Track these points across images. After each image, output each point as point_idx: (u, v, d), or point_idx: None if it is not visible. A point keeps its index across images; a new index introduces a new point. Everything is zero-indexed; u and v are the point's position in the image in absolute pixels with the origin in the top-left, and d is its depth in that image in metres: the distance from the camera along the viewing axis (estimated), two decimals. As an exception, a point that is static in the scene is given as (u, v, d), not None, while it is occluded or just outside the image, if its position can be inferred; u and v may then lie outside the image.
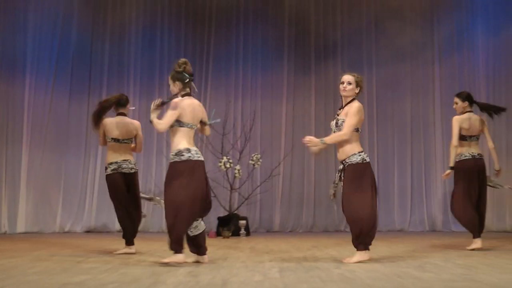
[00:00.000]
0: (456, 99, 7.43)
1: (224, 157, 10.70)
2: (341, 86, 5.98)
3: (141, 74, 12.00)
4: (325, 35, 12.33)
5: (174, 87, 5.88)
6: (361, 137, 11.97)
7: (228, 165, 10.63)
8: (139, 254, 6.82)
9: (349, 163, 5.81)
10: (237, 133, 11.71)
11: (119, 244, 7.19)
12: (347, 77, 5.98)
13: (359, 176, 5.76)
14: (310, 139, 5.85)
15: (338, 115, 6.00)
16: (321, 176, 12.10)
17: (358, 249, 5.79)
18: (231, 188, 10.87)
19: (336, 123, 5.92)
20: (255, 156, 10.95)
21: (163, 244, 8.24)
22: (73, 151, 11.77)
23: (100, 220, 11.50)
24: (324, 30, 12.31)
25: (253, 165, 10.96)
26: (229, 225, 10.22)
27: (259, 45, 12.30)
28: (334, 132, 5.92)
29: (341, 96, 6.03)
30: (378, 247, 7.68)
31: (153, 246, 7.89)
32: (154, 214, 11.55)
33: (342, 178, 5.87)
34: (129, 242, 6.93)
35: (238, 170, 10.73)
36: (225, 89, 12.20)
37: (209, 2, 12.30)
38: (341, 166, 5.90)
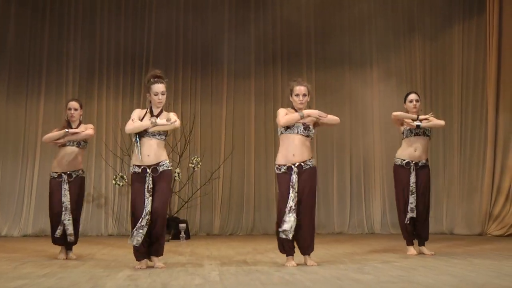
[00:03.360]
0: (418, 96, 7.15)
1: (164, 160, 10.60)
2: (296, 99, 5.90)
3: (80, 75, 11.75)
4: (265, 39, 12.36)
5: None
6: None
7: (168, 168, 10.54)
8: (78, 258, 6.74)
9: (310, 165, 5.84)
10: (176, 136, 11.62)
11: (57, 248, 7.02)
12: (302, 89, 5.93)
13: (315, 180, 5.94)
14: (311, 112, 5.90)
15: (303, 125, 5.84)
16: (261, 178, 12.13)
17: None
18: (171, 191, 10.78)
19: (307, 128, 5.85)
20: (195, 159, 10.91)
21: (102, 247, 8.15)
22: (10, 155, 11.48)
23: (38, 225, 11.21)
24: (264, 34, 12.33)
25: (193, 168, 10.92)
26: (169, 229, 10.11)
27: (199, 48, 12.23)
28: (299, 133, 5.81)
29: (294, 107, 5.94)
30: (317, 249, 7.73)
31: (92, 250, 7.76)
32: (93, 218, 11.38)
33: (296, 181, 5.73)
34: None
35: (178, 173, 10.66)
36: (164, 92, 12.07)
37: (148, 3, 12.16)
38: (295, 169, 5.76)
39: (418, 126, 6.83)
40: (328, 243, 8.97)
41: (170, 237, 9.96)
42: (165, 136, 5.82)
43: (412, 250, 6.90)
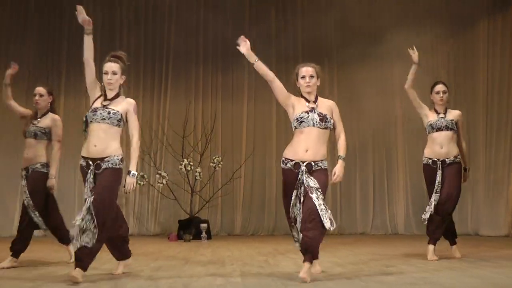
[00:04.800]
0: (445, 87, 6.75)
1: (185, 160, 10.62)
2: (302, 81, 5.17)
3: (99, 74, 11.74)
4: (285, 35, 12.29)
5: (122, 80, 5.21)
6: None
7: (189, 168, 10.56)
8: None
9: (322, 167, 5.02)
10: (197, 135, 11.61)
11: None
12: (310, 70, 5.17)
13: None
14: (339, 175, 5.04)
15: (312, 109, 5.07)
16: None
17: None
18: (192, 191, 10.78)
19: (324, 118, 5.02)
20: (216, 158, 10.89)
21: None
22: None
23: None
24: (284, 30, 12.26)
25: (214, 167, 10.90)
26: (190, 229, 10.14)
27: (220, 45, 12.21)
28: (315, 126, 4.98)
29: (301, 92, 5.22)
30: (340, 250, 7.75)
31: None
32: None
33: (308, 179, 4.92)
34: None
35: (199, 172, 10.66)
36: (185, 90, 12.08)
37: (169, 1, 12.16)
38: (303, 168, 4.96)
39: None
40: (351, 244, 8.93)
41: (191, 237, 9.96)
42: (119, 122, 5.01)
43: (431, 251, 6.43)
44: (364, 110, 11.98)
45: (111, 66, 5.12)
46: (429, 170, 6.54)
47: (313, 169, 4.98)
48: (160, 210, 11.52)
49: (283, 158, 5.12)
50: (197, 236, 10.09)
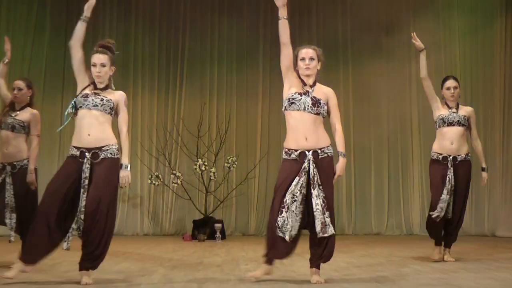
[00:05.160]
0: (456, 83, 6.53)
1: (200, 160, 10.65)
2: (301, 64, 4.85)
3: (114, 76, 11.80)
4: (300, 33, 12.25)
5: (111, 72, 4.96)
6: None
7: (203, 168, 10.59)
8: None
9: (329, 154, 4.76)
10: (212, 135, 11.63)
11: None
12: (309, 52, 4.88)
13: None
14: (340, 174, 4.74)
15: (307, 92, 4.80)
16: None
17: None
18: (207, 191, 10.80)
19: (317, 103, 4.74)
20: (231, 158, 10.91)
21: (138, 247, 8.19)
22: (46, 153, 11.47)
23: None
24: (299, 28, 12.22)
25: (229, 167, 10.92)
26: (205, 228, 10.17)
27: (234, 45, 12.21)
28: (306, 110, 4.71)
29: (299, 76, 4.91)
30: (355, 251, 7.73)
31: (128, 249, 7.81)
32: (128, 217, 11.47)
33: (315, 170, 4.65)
34: None
35: (214, 172, 10.68)
36: (199, 91, 12.09)
37: (183, 2, 12.18)
38: (310, 157, 4.69)
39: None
40: (366, 244, 8.91)
41: (206, 237, 9.99)
42: (112, 111, 4.80)
43: (437, 252, 6.33)
44: (379, 109, 11.93)
45: (99, 58, 4.83)
46: (438, 165, 6.28)
47: (320, 156, 4.70)
48: (174, 210, 11.54)
49: (286, 149, 4.81)
50: (211, 236, 10.11)
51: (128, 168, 4.73)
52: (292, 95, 4.77)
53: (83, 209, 4.51)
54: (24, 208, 5.79)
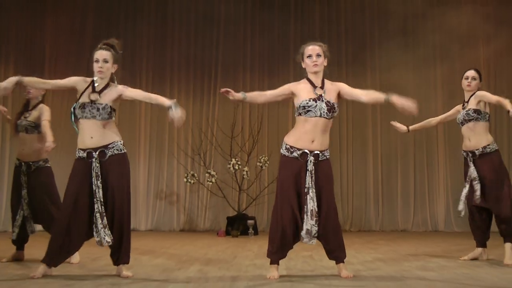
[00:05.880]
0: (476, 74, 6.30)
1: (233, 159, 10.83)
2: (308, 61, 4.90)
3: (152, 80, 12.03)
4: (329, 39, 12.37)
5: (113, 69, 4.98)
6: (366, 138, 12.02)
7: (236, 167, 10.76)
8: (152, 250, 6.90)
9: (327, 156, 4.91)
10: (245, 136, 11.79)
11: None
12: (315, 48, 4.92)
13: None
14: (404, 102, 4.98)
15: (320, 96, 4.79)
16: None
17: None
18: (240, 189, 11.00)
19: (332, 108, 4.78)
20: (263, 158, 11.05)
21: (174, 242, 8.38)
22: (67, 154, 11.69)
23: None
24: (328, 35, 12.33)
25: (261, 166, 11.08)
26: (238, 225, 10.32)
27: (266, 50, 12.31)
28: (322, 116, 4.75)
29: (306, 73, 5.00)
30: (382, 246, 7.80)
31: (165, 244, 7.95)
32: (165, 214, 11.73)
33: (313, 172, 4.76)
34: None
35: (246, 171, 10.85)
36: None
37: (217, 9, 12.33)
38: (312, 158, 4.78)
39: None
40: (392, 240, 8.94)
41: (239, 233, 10.15)
42: (110, 115, 4.83)
43: (477, 253, 6.08)
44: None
45: (102, 54, 4.85)
46: (464, 164, 6.18)
47: (320, 159, 4.76)
48: (209, 207, 11.72)
49: (288, 146, 4.81)
50: (244, 232, 10.23)
51: (175, 106, 4.87)
52: (307, 102, 4.74)
53: (100, 208, 4.65)
54: (41, 207, 5.87)
